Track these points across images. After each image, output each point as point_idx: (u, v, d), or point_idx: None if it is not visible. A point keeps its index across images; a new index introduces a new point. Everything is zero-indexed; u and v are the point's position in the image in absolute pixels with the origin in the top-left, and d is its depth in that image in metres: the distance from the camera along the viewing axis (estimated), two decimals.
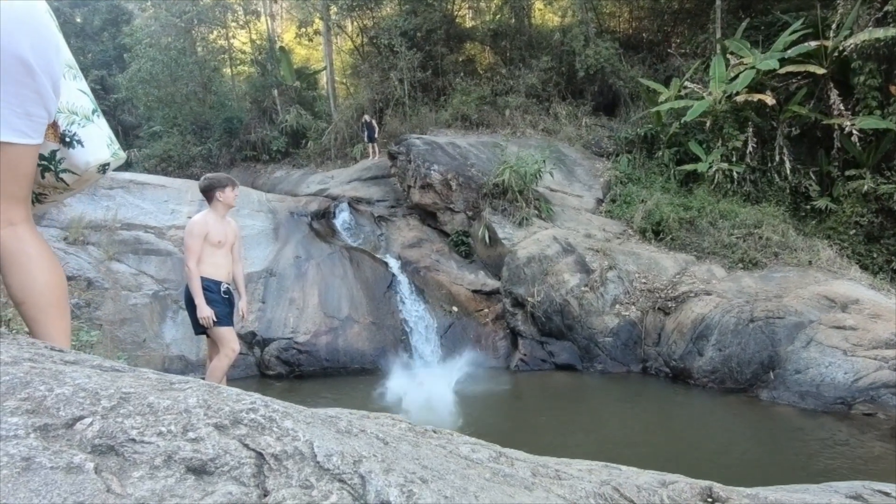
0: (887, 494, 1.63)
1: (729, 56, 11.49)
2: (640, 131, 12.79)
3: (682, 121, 11.51)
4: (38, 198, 1.47)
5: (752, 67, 10.61)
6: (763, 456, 5.57)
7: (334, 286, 9.74)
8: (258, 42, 20.08)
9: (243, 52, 20.34)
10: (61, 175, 1.43)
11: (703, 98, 11.18)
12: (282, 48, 19.82)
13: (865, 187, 9.69)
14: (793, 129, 10.87)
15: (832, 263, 9.01)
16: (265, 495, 0.80)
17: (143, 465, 0.78)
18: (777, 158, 10.69)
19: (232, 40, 19.97)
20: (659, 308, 8.86)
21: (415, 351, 9.27)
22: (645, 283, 9.24)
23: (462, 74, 16.21)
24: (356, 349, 9.02)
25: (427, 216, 11.64)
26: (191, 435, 0.84)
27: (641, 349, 8.79)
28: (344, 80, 20.12)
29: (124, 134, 21.30)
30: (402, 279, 10.14)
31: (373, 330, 9.29)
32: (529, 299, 9.32)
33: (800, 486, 1.75)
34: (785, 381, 7.24)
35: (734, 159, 10.80)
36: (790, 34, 10.78)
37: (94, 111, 1.45)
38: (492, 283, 10.11)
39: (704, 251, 9.72)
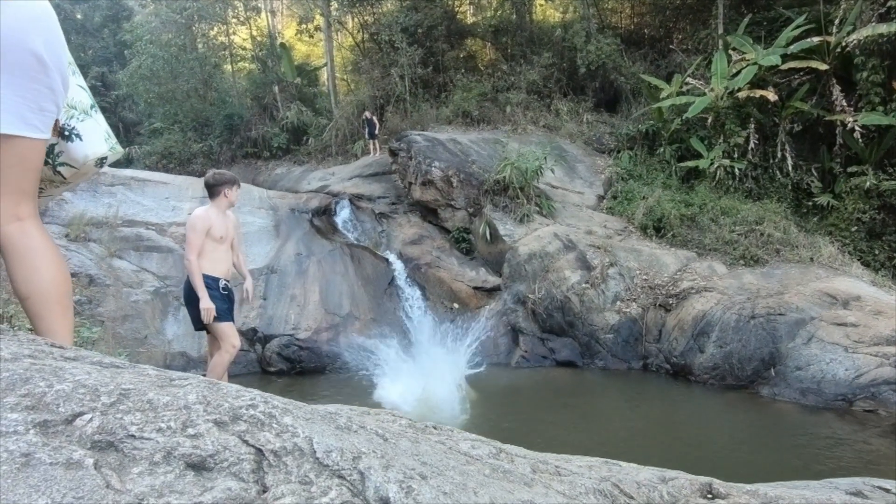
0: (888, 491, 1.63)
1: (731, 52, 11.44)
2: (641, 128, 12.75)
3: (683, 117, 11.47)
4: None
5: (755, 63, 10.56)
6: (763, 452, 5.58)
7: (335, 283, 9.75)
8: (259, 38, 20.05)
9: (244, 49, 20.28)
10: (59, 168, 1.44)
11: (704, 94, 11.14)
12: (282, 44, 19.77)
13: (867, 184, 9.66)
14: (795, 125, 10.83)
15: (834, 260, 9.00)
16: (264, 491, 0.80)
17: (142, 461, 0.78)
18: (779, 155, 10.66)
19: (232, 37, 19.90)
20: (660, 305, 8.86)
21: (415, 347, 9.28)
22: (646, 279, 9.23)
23: (463, 71, 16.18)
24: (357, 346, 9.03)
25: (428, 213, 11.62)
26: (190, 431, 0.84)
27: (642, 346, 8.79)
28: (345, 77, 20.08)
29: (125, 131, 21.28)
30: (403, 276, 10.14)
31: (373, 327, 9.30)
32: (530, 296, 9.32)
33: (800, 482, 1.75)
34: (786, 377, 7.24)
35: (736, 156, 10.77)
36: (793, 30, 10.73)
37: (91, 106, 1.47)
38: (493, 280, 10.10)
39: (706, 248, 9.70)
